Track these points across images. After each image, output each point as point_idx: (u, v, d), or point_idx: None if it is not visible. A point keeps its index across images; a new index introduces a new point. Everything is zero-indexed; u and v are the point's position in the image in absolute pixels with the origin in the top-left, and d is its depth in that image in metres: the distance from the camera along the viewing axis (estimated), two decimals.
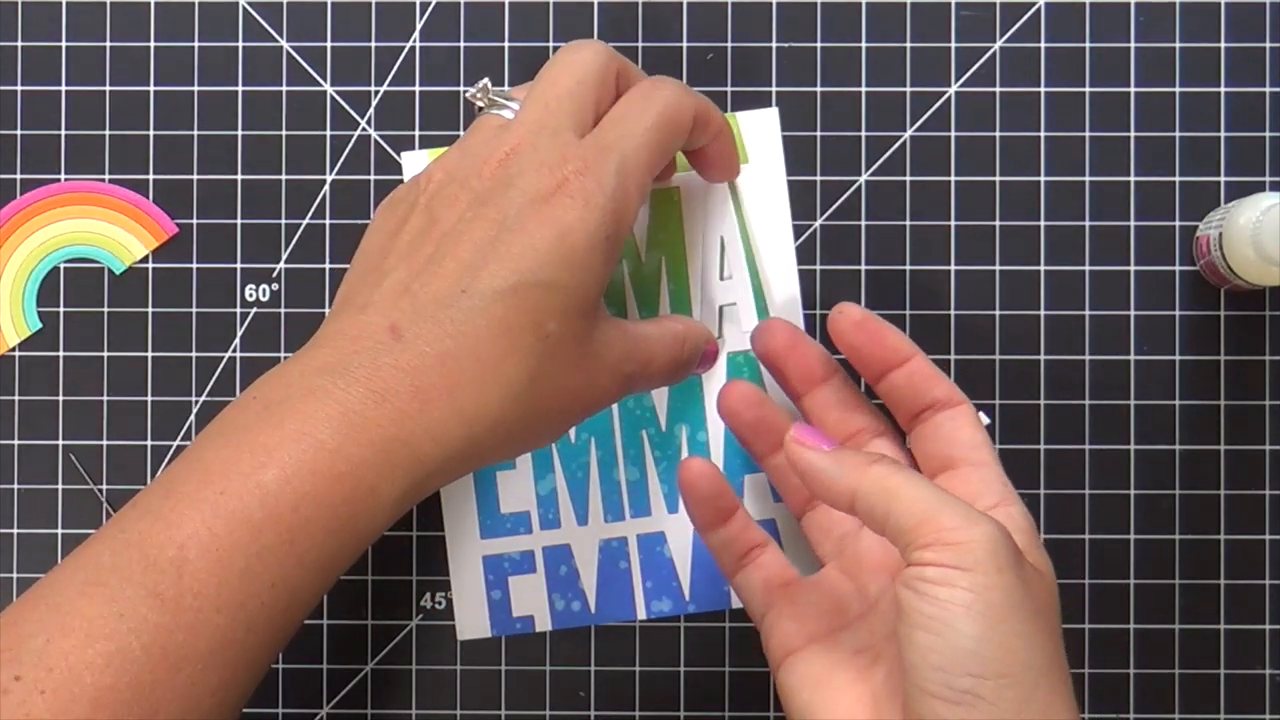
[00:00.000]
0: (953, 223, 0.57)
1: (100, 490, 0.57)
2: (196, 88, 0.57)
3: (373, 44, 0.57)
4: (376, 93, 0.57)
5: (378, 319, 0.44)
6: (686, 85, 0.49)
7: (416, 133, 0.57)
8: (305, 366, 0.44)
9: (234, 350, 0.57)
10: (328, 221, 0.57)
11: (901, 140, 0.57)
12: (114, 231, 0.57)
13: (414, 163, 0.57)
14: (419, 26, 0.57)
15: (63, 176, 0.57)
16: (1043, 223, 0.57)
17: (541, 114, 0.47)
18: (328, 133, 0.57)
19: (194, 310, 0.57)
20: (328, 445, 0.42)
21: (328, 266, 0.57)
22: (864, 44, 0.57)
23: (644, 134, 0.47)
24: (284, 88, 0.57)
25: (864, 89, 0.57)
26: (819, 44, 0.57)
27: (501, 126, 0.48)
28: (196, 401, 0.57)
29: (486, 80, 0.50)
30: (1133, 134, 0.57)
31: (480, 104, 0.49)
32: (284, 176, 0.57)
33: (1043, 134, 0.57)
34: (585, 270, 0.45)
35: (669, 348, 0.50)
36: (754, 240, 0.56)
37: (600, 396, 0.47)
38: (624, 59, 0.49)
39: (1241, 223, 0.51)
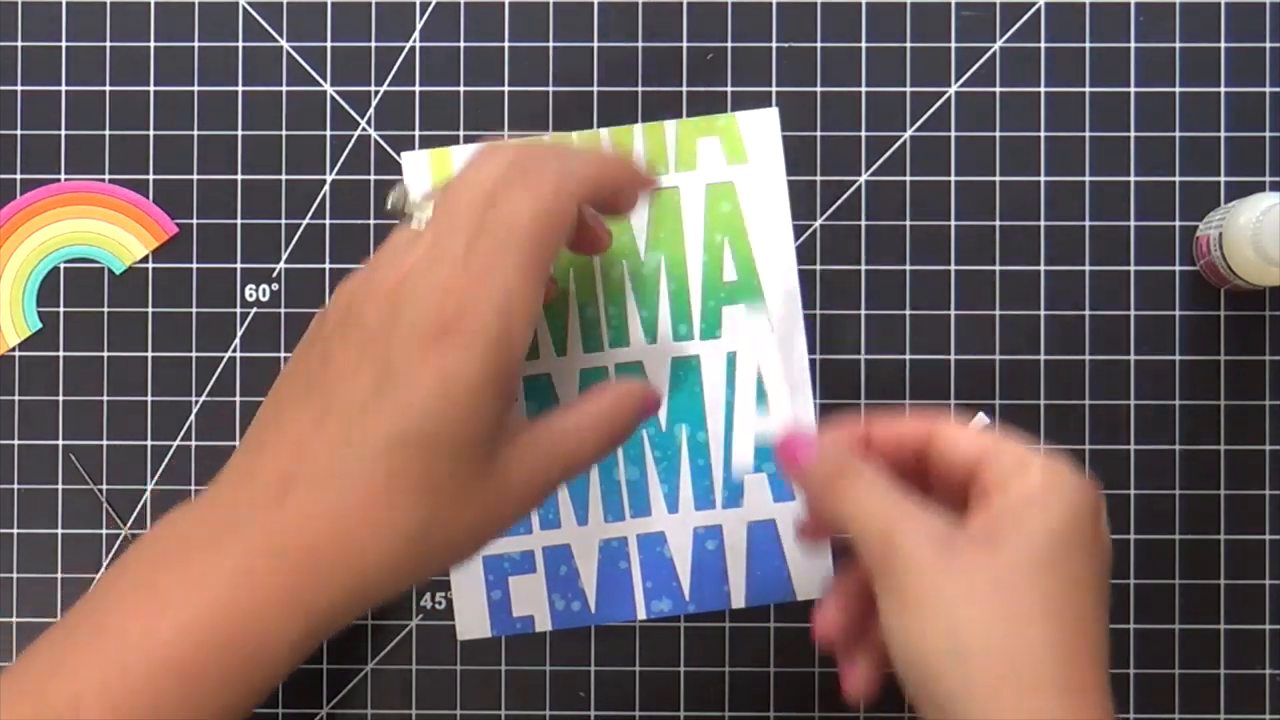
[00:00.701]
0: (953, 223, 0.57)
1: (100, 490, 0.57)
2: (196, 88, 0.57)
3: (373, 44, 0.57)
4: (376, 93, 0.57)
5: (272, 464, 0.44)
6: (563, 163, 0.46)
7: (416, 133, 0.57)
8: (205, 515, 0.44)
9: (234, 350, 0.57)
10: (328, 221, 0.57)
11: (901, 140, 0.57)
12: (114, 231, 0.57)
13: (414, 163, 0.57)
14: (419, 26, 0.57)
15: (63, 176, 0.57)
16: (1043, 223, 0.57)
17: (438, 233, 0.45)
18: (328, 133, 0.57)
19: (194, 310, 0.57)
20: (222, 599, 0.42)
21: (328, 266, 0.57)
22: (864, 44, 0.57)
23: (521, 248, 0.45)
24: (284, 88, 0.57)
25: (864, 89, 0.57)
26: (819, 44, 0.57)
27: (407, 243, 0.46)
28: (196, 401, 0.57)
29: (404, 184, 0.49)
30: (1133, 134, 0.57)
31: (395, 210, 0.48)
32: (284, 176, 0.57)
33: (1043, 134, 0.57)
34: (473, 416, 0.44)
35: (596, 435, 0.48)
36: (754, 240, 0.56)
37: (511, 516, 0.46)
38: (536, 156, 0.46)
39: (1241, 223, 0.51)
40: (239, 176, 0.57)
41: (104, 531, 0.57)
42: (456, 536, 0.45)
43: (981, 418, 0.54)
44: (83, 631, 0.43)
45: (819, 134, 0.57)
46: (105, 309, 0.57)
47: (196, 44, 0.57)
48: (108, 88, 0.57)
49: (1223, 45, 0.57)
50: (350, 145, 0.57)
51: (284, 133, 0.57)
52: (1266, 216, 0.50)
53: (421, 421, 0.43)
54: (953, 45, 0.57)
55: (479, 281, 0.44)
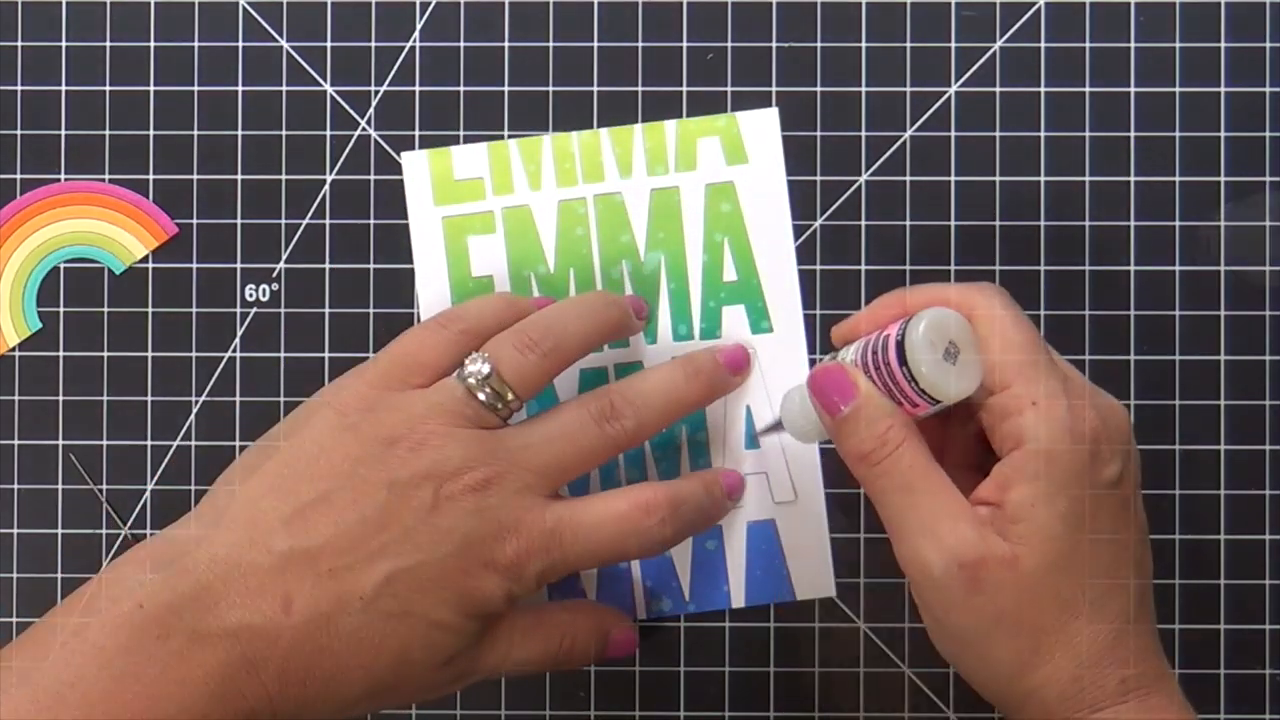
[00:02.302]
0: (953, 223, 0.57)
1: (100, 490, 0.57)
2: (196, 88, 0.57)
3: (373, 44, 0.57)
4: (376, 93, 0.57)
5: (279, 581, 0.46)
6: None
7: (416, 133, 0.57)
8: (193, 590, 0.45)
9: (234, 350, 0.57)
10: (328, 221, 0.57)
11: (901, 140, 0.57)
12: (114, 231, 0.57)
13: (414, 163, 0.57)
14: (419, 26, 0.57)
15: (63, 176, 0.57)
16: (1043, 223, 0.57)
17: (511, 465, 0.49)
18: (328, 133, 0.57)
19: (194, 310, 0.57)
20: (198, 711, 0.45)
21: (328, 267, 0.57)
22: (864, 44, 0.57)
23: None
24: (284, 88, 0.57)
25: (864, 89, 0.57)
26: (819, 44, 0.57)
27: (493, 437, 0.50)
28: (196, 401, 0.57)
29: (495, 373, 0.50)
30: (1133, 134, 0.57)
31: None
32: (284, 176, 0.57)
33: (1043, 134, 0.57)
34: (473, 623, 0.48)
35: (540, 652, 0.51)
36: (754, 240, 0.56)
37: (445, 693, 0.50)
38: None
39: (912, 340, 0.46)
40: (239, 176, 0.57)
41: (104, 531, 0.57)
42: (406, 698, 0.49)
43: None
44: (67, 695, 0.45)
45: (819, 134, 0.57)
46: (105, 309, 0.57)
47: (196, 44, 0.57)
48: (108, 88, 0.57)
49: (1223, 45, 0.57)
50: (350, 145, 0.57)
51: (284, 133, 0.57)
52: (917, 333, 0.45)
53: (432, 609, 0.48)
54: (953, 45, 0.57)
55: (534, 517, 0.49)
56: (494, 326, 0.51)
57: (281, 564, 0.46)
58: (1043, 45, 0.57)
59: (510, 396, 0.49)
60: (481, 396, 0.49)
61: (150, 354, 0.57)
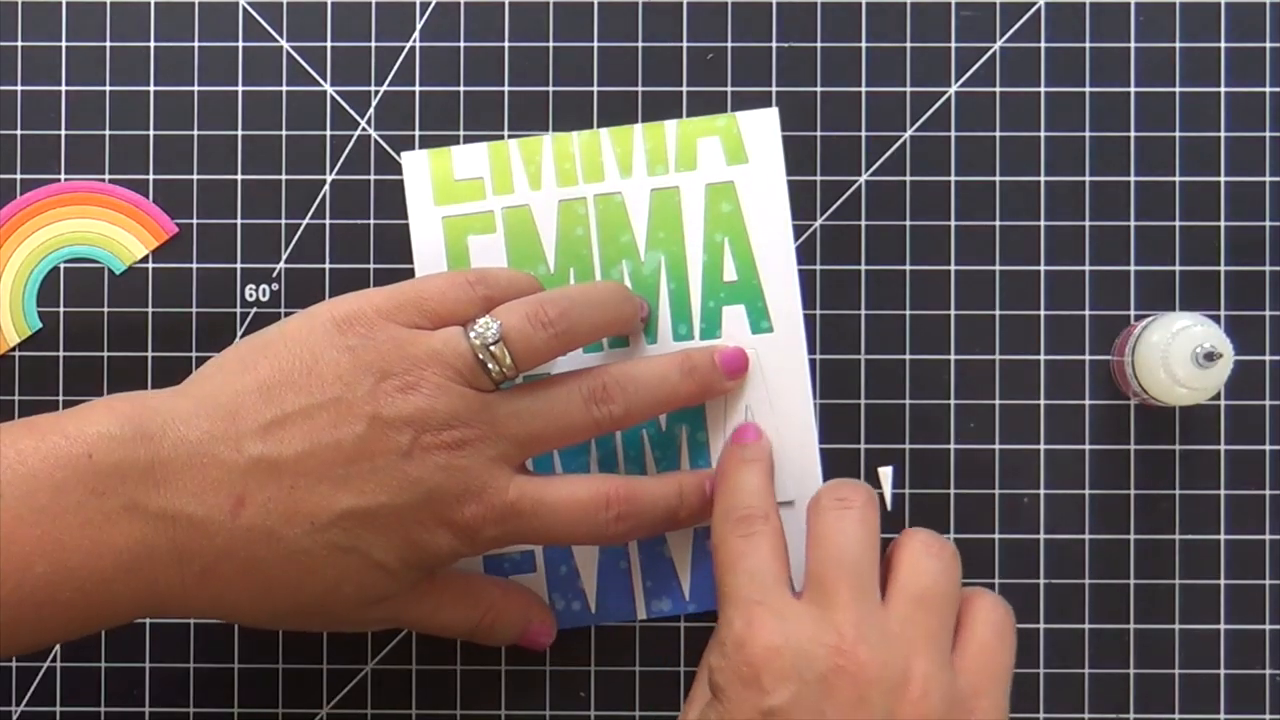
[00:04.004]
0: (953, 223, 0.57)
1: None
2: (196, 88, 0.57)
3: (373, 44, 0.57)
4: (376, 93, 0.57)
5: (239, 480, 0.46)
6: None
7: (416, 133, 0.57)
8: (152, 455, 0.45)
9: None
10: (328, 221, 0.57)
11: (901, 140, 0.57)
12: (114, 231, 0.57)
13: (414, 163, 0.57)
14: (419, 26, 0.57)
15: (63, 176, 0.57)
16: (1043, 223, 0.57)
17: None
18: (328, 133, 0.57)
19: (194, 310, 0.57)
20: (102, 572, 0.45)
21: (328, 267, 0.57)
22: (864, 44, 0.57)
23: None
24: (284, 88, 0.57)
25: (864, 89, 0.57)
26: (819, 44, 0.57)
27: (510, 393, 0.51)
28: None
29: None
30: (1133, 134, 0.57)
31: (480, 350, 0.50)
32: (284, 176, 0.57)
33: (1043, 134, 0.57)
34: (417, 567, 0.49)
35: (462, 615, 0.52)
36: (754, 240, 0.56)
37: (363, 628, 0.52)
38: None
39: (1154, 341, 0.52)
40: (239, 176, 0.57)
41: None
42: (321, 625, 0.51)
43: (884, 476, 0.55)
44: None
45: (819, 134, 0.57)
46: (105, 309, 0.57)
47: (196, 44, 0.57)
48: (108, 88, 0.57)
49: (1223, 45, 0.57)
50: (350, 145, 0.57)
51: (284, 133, 0.57)
52: (1177, 338, 0.50)
53: (381, 551, 0.48)
54: (953, 45, 0.57)
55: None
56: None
57: (247, 466, 0.46)
58: (1043, 45, 0.57)
59: (509, 365, 0.49)
60: (482, 358, 0.49)
61: (150, 354, 0.57)
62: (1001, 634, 0.49)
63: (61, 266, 0.57)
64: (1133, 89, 0.57)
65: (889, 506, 0.56)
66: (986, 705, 0.47)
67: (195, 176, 0.57)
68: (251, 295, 0.57)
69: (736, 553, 0.49)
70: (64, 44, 0.57)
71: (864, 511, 0.49)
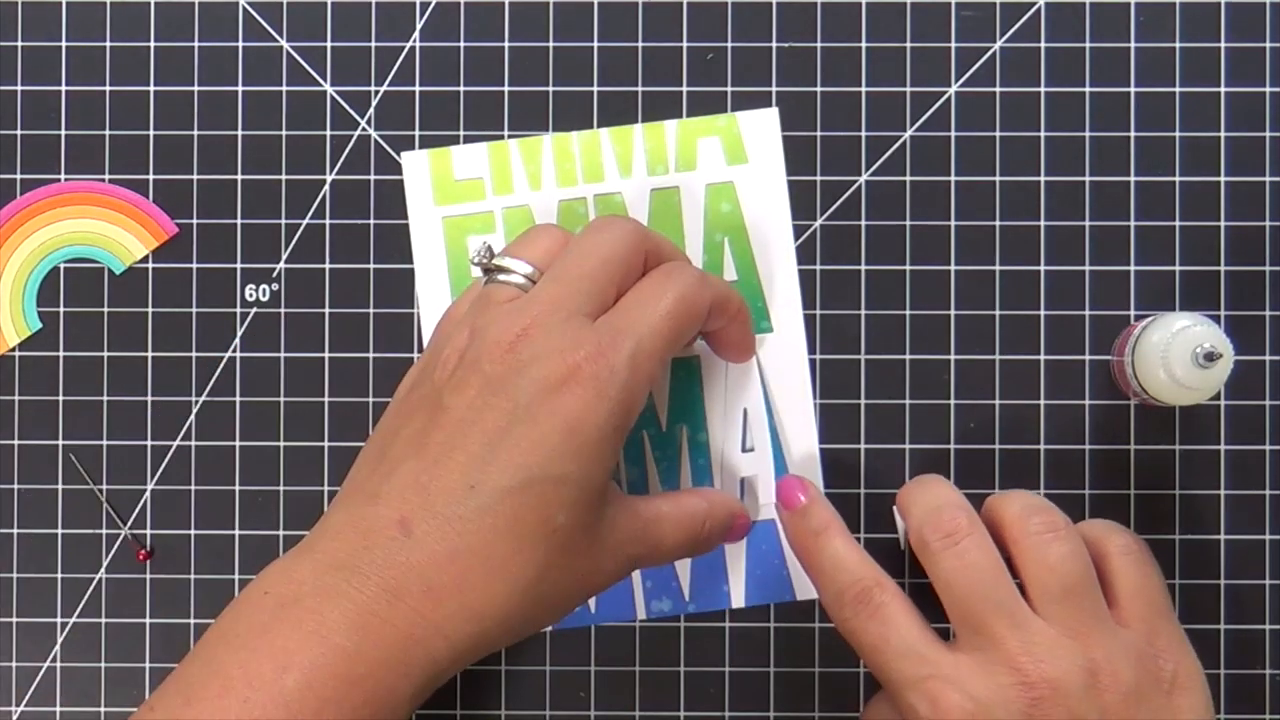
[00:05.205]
0: (953, 223, 0.57)
1: (100, 490, 0.57)
2: (196, 88, 0.57)
3: (373, 44, 0.57)
4: (376, 93, 0.57)
5: (388, 512, 0.45)
6: (705, 272, 0.49)
7: (416, 133, 0.57)
8: (317, 562, 0.45)
9: (234, 350, 0.57)
10: (328, 221, 0.57)
11: (901, 140, 0.57)
12: (114, 231, 0.57)
13: (414, 163, 0.57)
14: (419, 26, 0.57)
15: (63, 176, 0.57)
16: (1043, 223, 0.57)
17: (558, 293, 0.47)
18: (328, 133, 0.57)
19: (194, 310, 0.57)
20: (345, 648, 0.43)
21: (328, 267, 0.57)
22: (864, 44, 0.57)
23: (658, 321, 0.47)
24: (284, 88, 0.57)
25: (864, 89, 0.57)
26: (819, 44, 0.57)
27: (514, 303, 0.47)
28: (196, 401, 0.57)
29: (488, 243, 0.50)
30: (1133, 134, 0.57)
31: (480, 266, 0.49)
32: (284, 176, 0.57)
33: (1043, 134, 0.57)
34: (594, 462, 0.45)
35: (684, 529, 0.50)
36: (753, 240, 0.56)
37: (603, 580, 0.47)
38: (655, 237, 0.49)
39: (1154, 341, 0.51)
40: (239, 176, 0.57)
41: (104, 531, 0.57)
42: (567, 586, 0.46)
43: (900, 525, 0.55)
44: (208, 688, 0.43)
45: (819, 134, 0.57)
46: (105, 309, 0.57)
47: (196, 44, 0.57)
48: (108, 88, 0.57)
49: (1223, 45, 0.57)
50: (350, 145, 0.57)
51: (284, 133, 0.57)
52: (1177, 338, 0.50)
53: (546, 465, 0.44)
54: (953, 45, 0.57)
55: (611, 339, 0.46)
56: None
57: (384, 497, 0.45)
58: (1043, 45, 0.57)
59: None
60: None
61: (150, 354, 0.57)
62: (1144, 569, 0.49)
63: (61, 266, 0.57)
64: (1133, 89, 0.57)
65: (903, 546, 0.56)
66: (1165, 641, 0.48)
67: (195, 176, 0.57)
68: (251, 295, 0.57)
69: (877, 636, 0.48)
70: (64, 44, 0.57)
71: (975, 537, 0.48)
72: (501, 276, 0.49)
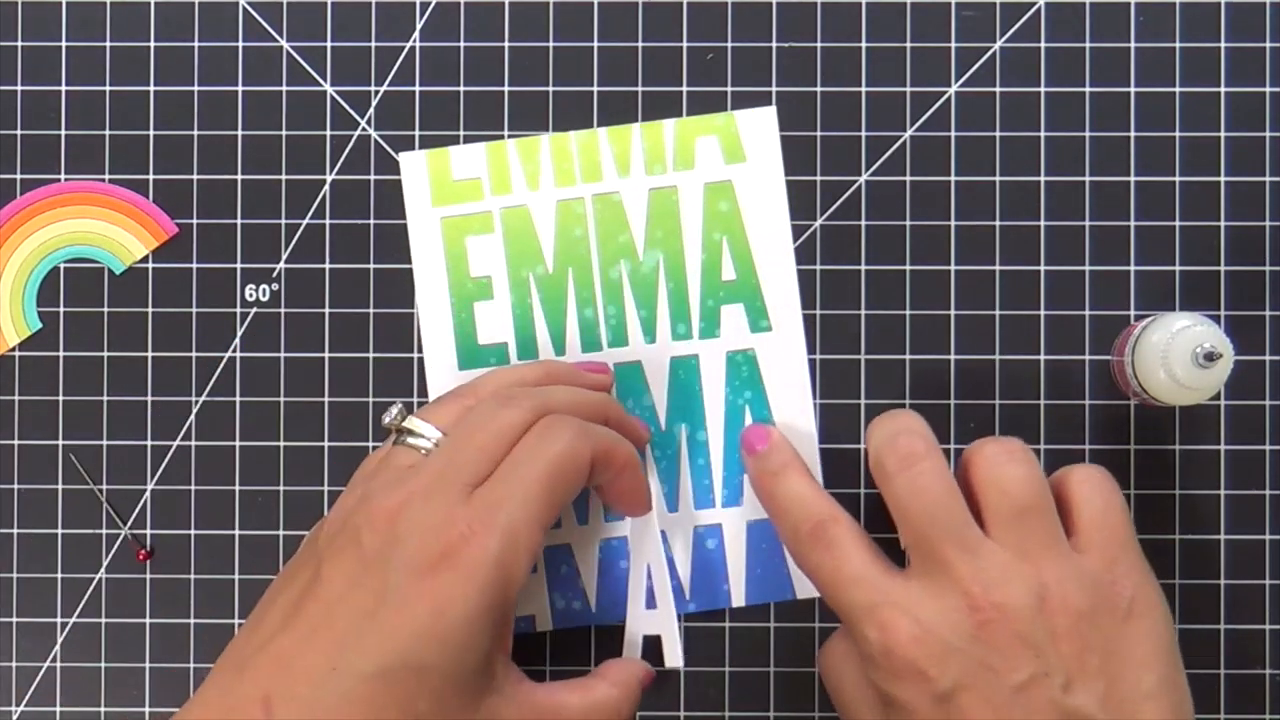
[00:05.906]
0: (953, 223, 0.57)
1: (100, 490, 0.57)
2: (196, 88, 0.57)
3: (373, 44, 0.57)
4: (376, 93, 0.57)
5: (252, 690, 0.44)
6: (585, 425, 0.49)
7: (416, 133, 0.57)
8: None
9: (234, 350, 0.57)
10: (328, 221, 0.57)
11: (901, 140, 0.57)
12: (114, 231, 0.57)
13: (413, 163, 0.57)
14: (419, 26, 0.57)
15: (63, 176, 0.57)
16: (1043, 223, 0.57)
17: (445, 464, 0.47)
18: (328, 133, 0.57)
19: (194, 310, 0.57)
20: None
21: (327, 267, 0.57)
22: (864, 44, 0.57)
23: (533, 487, 0.46)
24: (284, 88, 0.57)
25: (864, 89, 0.57)
26: (819, 44, 0.57)
27: (404, 470, 0.47)
28: (196, 401, 0.57)
29: (400, 406, 0.50)
30: (1133, 134, 0.57)
31: (393, 429, 0.49)
32: (284, 176, 0.57)
33: (1043, 134, 0.57)
34: (463, 649, 0.44)
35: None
36: (752, 239, 0.56)
37: None
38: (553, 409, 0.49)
39: (1154, 341, 0.51)
40: (239, 176, 0.57)
41: (104, 531, 0.57)
42: None
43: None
44: None
45: (819, 134, 0.57)
46: (105, 309, 0.57)
47: (196, 44, 0.57)
48: (108, 88, 0.57)
49: (1223, 45, 0.57)
50: (350, 145, 0.57)
51: (284, 133, 0.57)
52: (1177, 338, 0.50)
53: (409, 652, 0.44)
54: (953, 45, 0.57)
55: (485, 515, 0.45)
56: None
57: (250, 671, 0.45)
58: (1043, 45, 0.57)
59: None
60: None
61: (150, 354, 0.57)
62: (1107, 497, 0.48)
63: (61, 266, 0.57)
64: (1133, 89, 0.57)
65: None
66: (1124, 569, 0.47)
67: (195, 176, 0.57)
68: (251, 295, 0.57)
69: (830, 568, 0.48)
70: (64, 44, 0.57)
71: (930, 461, 0.48)
72: (410, 440, 0.49)
